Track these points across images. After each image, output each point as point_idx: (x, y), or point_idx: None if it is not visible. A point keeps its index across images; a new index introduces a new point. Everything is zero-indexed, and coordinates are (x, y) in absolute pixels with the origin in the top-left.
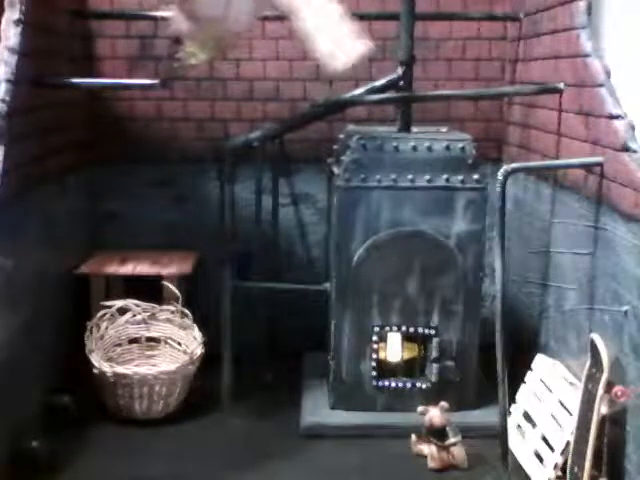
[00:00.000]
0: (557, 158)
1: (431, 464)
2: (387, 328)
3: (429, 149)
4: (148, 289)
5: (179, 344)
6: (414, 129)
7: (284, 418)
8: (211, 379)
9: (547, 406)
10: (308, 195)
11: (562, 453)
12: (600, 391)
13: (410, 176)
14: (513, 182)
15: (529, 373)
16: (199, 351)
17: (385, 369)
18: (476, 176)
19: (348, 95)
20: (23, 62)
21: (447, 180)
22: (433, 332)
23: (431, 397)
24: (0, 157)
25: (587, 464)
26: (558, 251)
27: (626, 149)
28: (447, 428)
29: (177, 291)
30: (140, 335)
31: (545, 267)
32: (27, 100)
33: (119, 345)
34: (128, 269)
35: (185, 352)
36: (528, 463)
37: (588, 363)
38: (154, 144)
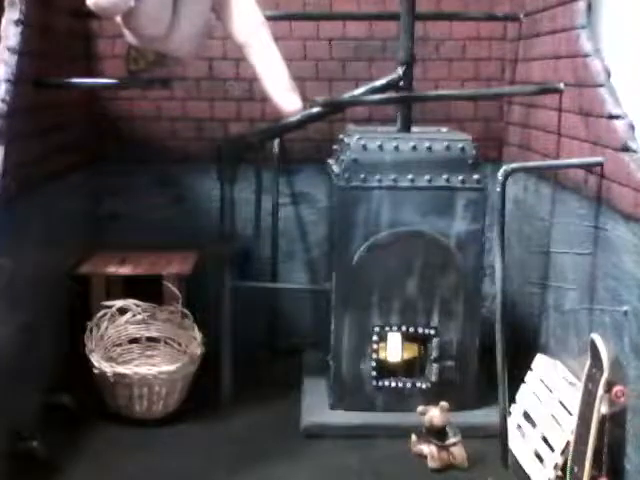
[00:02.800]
0: (557, 158)
1: (431, 464)
2: (387, 328)
3: (429, 149)
4: (148, 289)
5: (179, 344)
6: (414, 129)
7: (284, 418)
8: (211, 379)
9: (547, 406)
10: (308, 195)
11: (562, 453)
12: (600, 391)
13: (410, 176)
14: (513, 182)
15: (529, 373)
16: (199, 351)
17: (385, 369)
18: (476, 176)
19: (348, 95)
20: (23, 62)
21: (447, 180)
22: (433, 332)
23: (431, 397)
24: (0, 157)
25: (587, 464)
26: (558, 251)
27: (626, 149)
28: (447, 428)
29: (177, 291)
30: (140, 335)
31: (545, 267)
32: (27, 100)
33: (119, 345)
34: (128, 269)
35: (185, 352)
36: (528, 463)
37: (588, 363)
38: (154, 144)
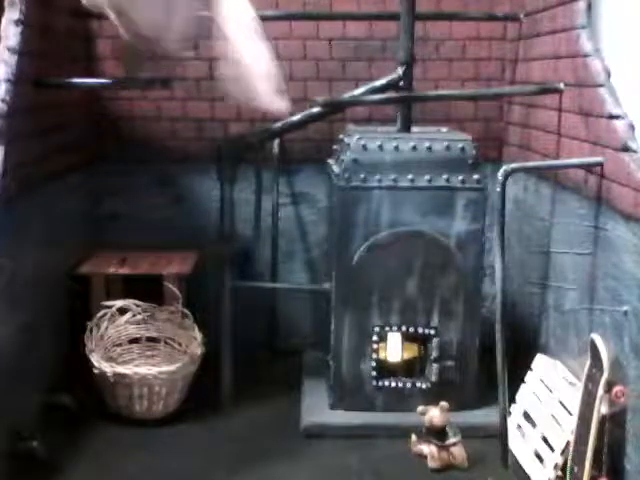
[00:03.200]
0: (557, 158)
1: (431, 464)
2: (387, 328)
3: (429, 149)
4: (148, 289)
5: (179, 344)
6: (414, 129)
7: (284, 418)
8: (211, 379)
9: (547, 406)
10: (308, 195)
11: (562, 453)
12: (600, 391)
13: (410, 176)
14: (513, 182)
15: (529, 373)
16: (199, 351)
17: (385, 369)
18: (476, 176)
19: (348, 95)
20: (23, 62)
21: (447, 180)
22: (433, 332)
23: (431, 397)
24: (0, 157)
25: (587, 464)
26: (558, 251)
27: (626, 149)
28: (447, 428)
29: (177, 291)
30: (140, 335)
31: (545, 267)
32: (27, 100)
33: (119, 345)
34: (128, 269)
35: (185, 352)
36: (528, 463)
37: (588, 363)
38: (154, 144)
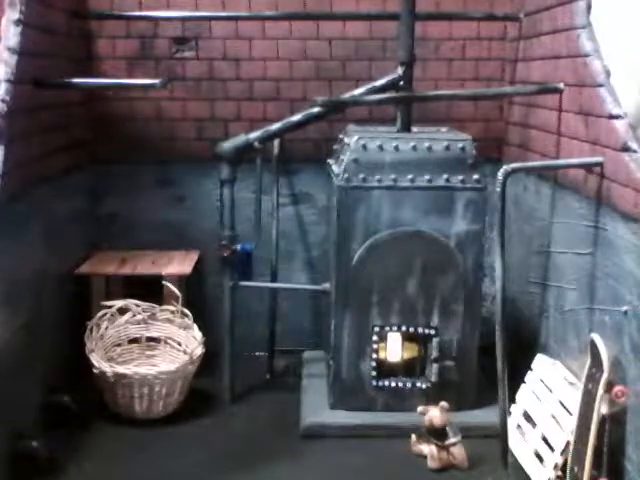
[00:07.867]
0: (557, 158)
1: (431, 464)
2: (387, 328)
3: (429, 149)
4: (148, 289)
5: (179, 344)
6: (414, 129)
7: (284, 418)
8: (211, 379)
9: (547, 406)
10: (308, 195)
11: (562, 453)
12: (600, 391)
13: (410, 176)
14: (513, 182)
15: (529, 373)
16: (199, 351)
17: (385, 369)
18: (476, 176)
19: (348, 95)
20: (23, 62)
21: (447, 180)
22: (433, 332)
23: (431, 397)
24: (0, 157)
25: (587, 464)
26: (558, 251)
27: (626, 149)
28: (447, 428)
29: (177, 291)
30: (140, 335)
31: (545, 267)
32: (27, 100)
33: (119, 345)
34: (128, 269)
35: (185, 352)
36: (528, 463)
37: (588, 363)
38: (154, 144)
